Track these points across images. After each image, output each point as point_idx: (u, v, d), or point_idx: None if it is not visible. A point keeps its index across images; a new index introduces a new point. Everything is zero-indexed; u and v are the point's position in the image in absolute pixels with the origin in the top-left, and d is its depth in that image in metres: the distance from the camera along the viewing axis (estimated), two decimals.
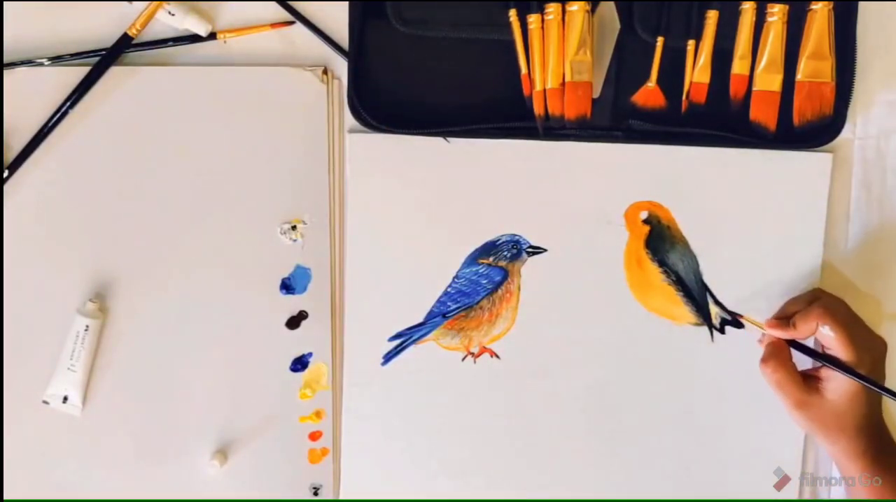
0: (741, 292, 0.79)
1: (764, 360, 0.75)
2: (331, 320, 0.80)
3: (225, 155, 0.78)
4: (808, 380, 0.74)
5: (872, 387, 0.71)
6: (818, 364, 0.75)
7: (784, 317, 0.75)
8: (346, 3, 0.76)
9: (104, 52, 0.76)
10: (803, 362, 0.76)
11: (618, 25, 0.77)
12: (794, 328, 0.74)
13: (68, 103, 0.76)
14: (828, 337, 0.72)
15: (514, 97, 0.77)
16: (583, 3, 0.73)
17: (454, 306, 0.79)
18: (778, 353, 0.74)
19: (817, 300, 0.74)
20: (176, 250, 0.78)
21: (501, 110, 0.77)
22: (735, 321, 0.79)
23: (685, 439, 0.81)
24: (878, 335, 0.75)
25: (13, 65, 0.76)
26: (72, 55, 0.76)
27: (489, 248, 0.79)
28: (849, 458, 0.73)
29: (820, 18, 0.74)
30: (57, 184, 0.77)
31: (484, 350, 0.80)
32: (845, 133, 0.77)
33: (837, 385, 0.72)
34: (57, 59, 0.76)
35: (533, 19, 0.75)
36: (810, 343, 0.76)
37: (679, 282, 0.79)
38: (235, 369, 0.80)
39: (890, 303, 0.80)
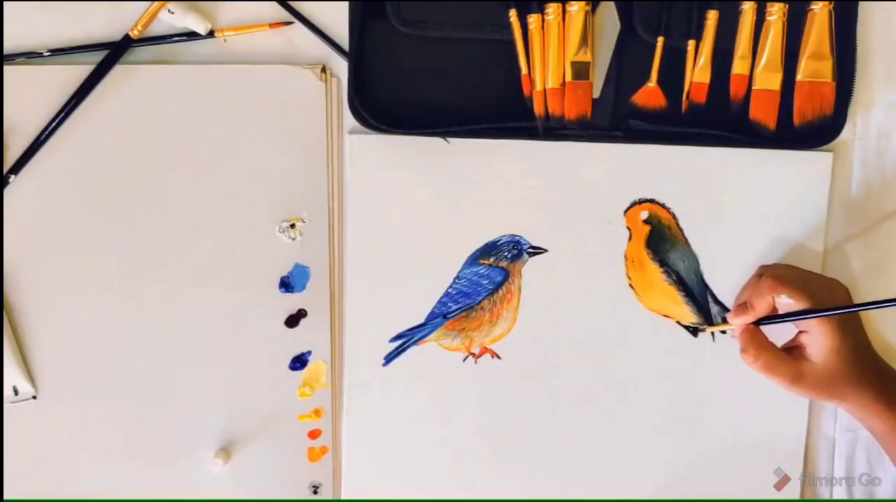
0: None
1: (743, 351, 0.74)
2: (330, 318, 0.80)
3: (224, 152, 0.78)
4: (791, 352, 0.74)
5: (848, 310, 0.71)
6: (791, 338, 0.74)
7: (742, 304, 0.75)
8: (346, 2, 0.76)
9: (104, 50, 0.76)
10: (779, 341, 0.75)
11: (618, 25, 0.77)
12: (753, 308, 0.73)
13: (70, 104, 0.75)
14: (787, 304, 0.71)
15: (515, 97, 0.77)
16: (583, 3, 0.73)
17: (455, 307, 0.80)
18: (753, 339, 0.74)
19: (765, 274, 0.74)
20: (175, 247, 0.78)
21: (501, 110, 0.77)
22: None
23: (686, 439, 0.81)
24: (836, 281, 0.74)
25: (12, 56, 0.76)
26: (72, 48, 0.76)
27: (490, 249, 0.79)
28: (864, 408, 0.73)
29: (820, 18, 0.74)
30: (55, 183, 0.77)
31: (485, 350, 0.80)
32: (845, 133, 0.78)
33: (819, 345, 0.71)
34: (57, 52, 0.76)
35: (533, 19, 0.75)
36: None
37: (680, 282, 0.79)
38: (234, 367, 0.80)
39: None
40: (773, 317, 0.74)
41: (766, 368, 0.73)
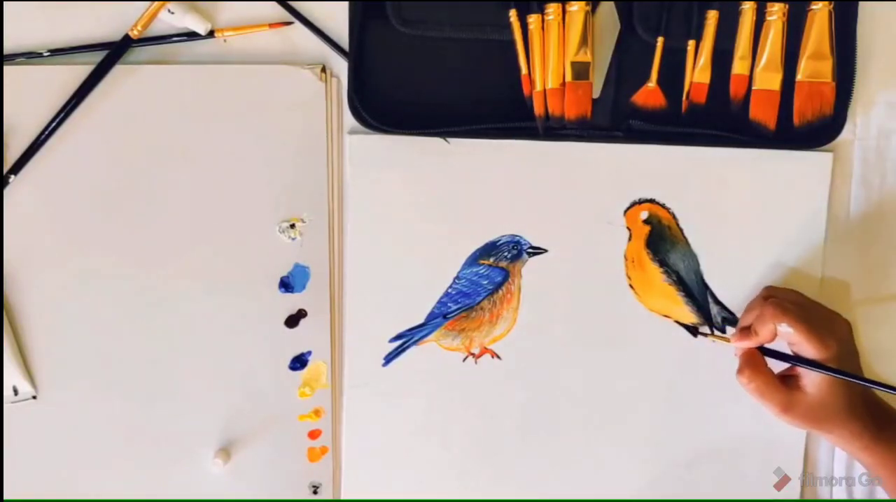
0: (742, 292, 0.79)
1: (739, 371, 0.74)
2: (330, 318, 0.80)
3: (224, 152, 0.78)
4: (787, 380, 0.74)
5: (842, 376, 0.71)
6: (789, 365, 0.74)
7: (746, 328, 0.75)
8: (346, 3, 0.76)
9: (103, 49, 0.76)
10: (779, 363, 0.75)
11: (618, 25, 0.77)
12: (756, 334, 0.73)
13: (70, 104, 0.76)
14: (787, 333, 0.71)
15: (515, 97, 0.77)
16: (583, 3, 0.73)
17: (455, 307, 0.80)
18: (751, 362, 0.74)
19: (769, 299, 0.74)
20: (174, 247, 0.78)
21: (501, 110, 0.77)
22: (735, 321, 0.79)
23: (686, 439, 0.81)
24: (838, 314, 0.74)
25: (12, 56, 0.76)
26: (72, 48, 0.76)
27: (490, 249, 0.79)
28: (849, 442, 0.73)
29: (820, 18, 0.74)
30: (55, 183, 0.77)
31: (485, 351, 0.80)
32: (845, 133, 0.78)
33: (814, 378, 0.72)
34: (57, 52, 0.76)
35: (533, 19, 0.75)
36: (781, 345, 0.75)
37: (680, 282, 0.79)
38: (235, 367, 0.80)
39: (892, 301, 0.80)
40: (775, 353, 0.74)
41: (758, 392, 0.73)
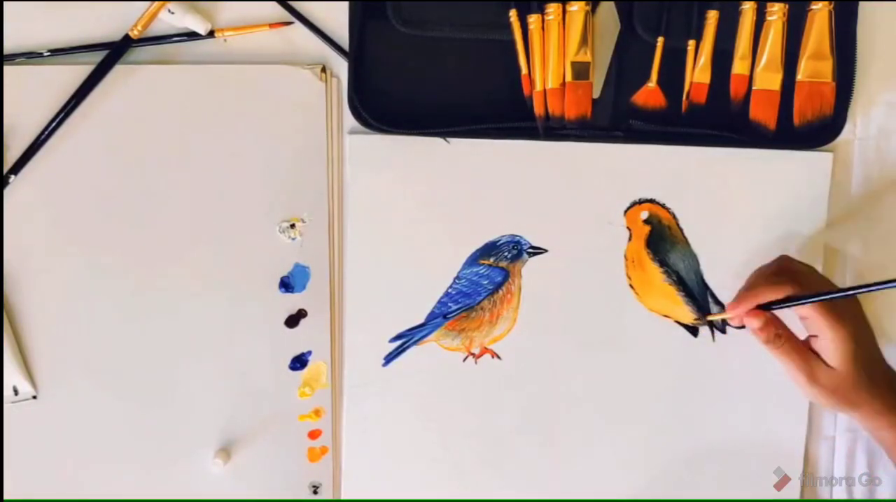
0: None
1: (764, 336, 0.72)
2: (330, 318, 0.80)
3: (224, 152, 0.78)
4: None
5: (852, 292, 0.69)
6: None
7: (752, 291, 0.73)
8: (346, 2, 0.76)
9: (104, 50, 0.76)
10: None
11: (618, 25, 0.77)
12: (756, 297, 0.71)
13: (70, 104, 0.75)
14: (805, 307, 0.70)
15: (515, 97, 0.77)
16: (583, 3, 0.73)
17: (455, 307, 0.80)
18: (774, 325, 0.72)
19: (785, 272, 0.72)
20: (174, 247, 0.78)
21: (501, 110, 0.77)
22: None
23: (686, 439, 0.81)
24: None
25: (12, 56, 0.76)
26: (72, 48, 0.76)
27: (490, 249, 0.79)
28: (873, 419, 0.72)
29: (820, 18, 0.75)
30: (55, 183, 0.77)
31: (485, 351, 0.80)
32: (845, 133, 0.78)
33: (833, 352, 0.70)
34: (57, 52, 0.76)
35: (533, 19, 0.75)
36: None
37: (680, 282, 0.79)
38: (235, 367, 0.80)
39: (891, 301, 0.80)
40: (779, 303, 0.72)
41: (786, 354, 0.71)
